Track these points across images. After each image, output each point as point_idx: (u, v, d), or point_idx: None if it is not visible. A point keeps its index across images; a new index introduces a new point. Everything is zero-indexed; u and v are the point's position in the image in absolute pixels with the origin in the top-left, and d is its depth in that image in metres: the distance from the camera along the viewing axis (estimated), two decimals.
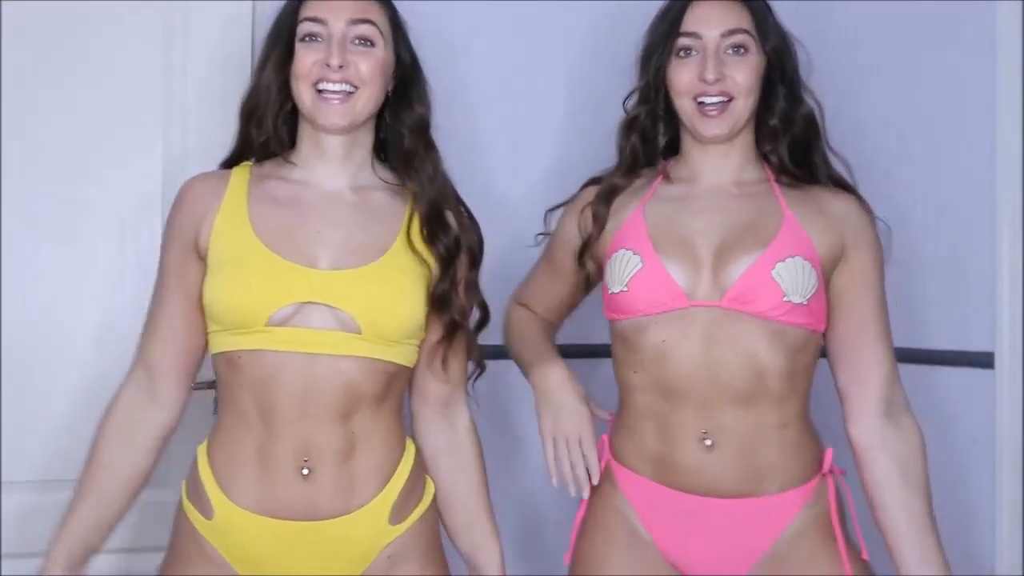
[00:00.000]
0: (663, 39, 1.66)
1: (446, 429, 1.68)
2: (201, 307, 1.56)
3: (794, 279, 1.56)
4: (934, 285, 2.08)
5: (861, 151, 2.25)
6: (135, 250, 1.99)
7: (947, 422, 2.06)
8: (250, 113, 1.62)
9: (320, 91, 1.55)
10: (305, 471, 1.51)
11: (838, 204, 1.67)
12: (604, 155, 1.79)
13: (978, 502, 1.97)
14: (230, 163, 1.66)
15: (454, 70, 2.17)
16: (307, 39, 1.57)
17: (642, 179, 1.72)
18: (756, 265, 1.57)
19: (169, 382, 1.60)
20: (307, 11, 1.58)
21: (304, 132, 1.62)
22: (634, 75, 1.73)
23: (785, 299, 1.56)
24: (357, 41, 1.57)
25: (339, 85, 1.55)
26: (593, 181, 1.75)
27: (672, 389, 1.59)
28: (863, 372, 1.64)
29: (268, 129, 1.60)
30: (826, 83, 2.34)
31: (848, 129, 2.28)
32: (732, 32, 1.62)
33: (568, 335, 1.99)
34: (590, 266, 1.73)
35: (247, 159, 1.64)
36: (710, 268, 1.59)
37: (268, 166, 1.63)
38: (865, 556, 1.65)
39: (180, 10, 2.05)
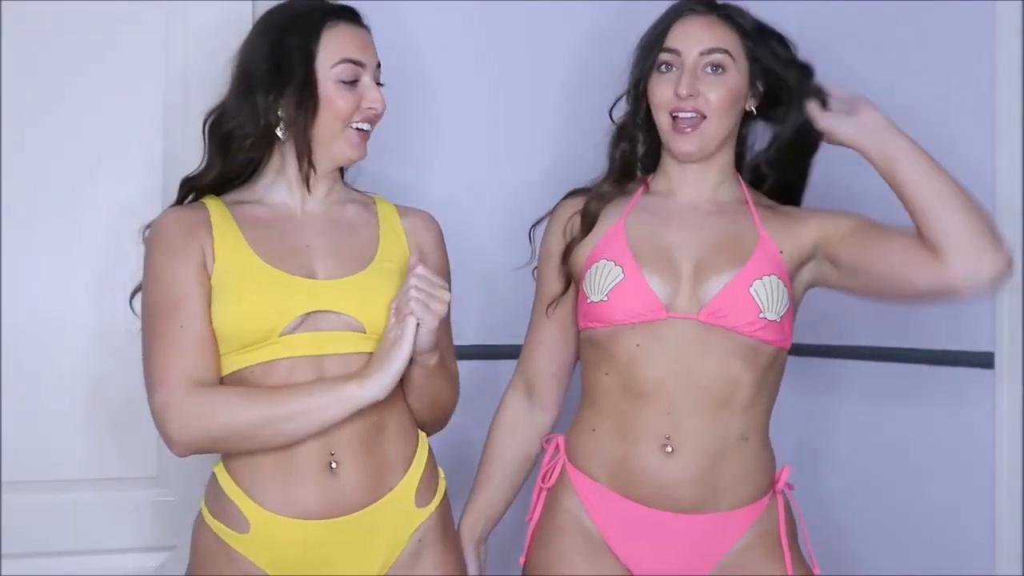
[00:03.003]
0: (647, 53, 1.70)
1: None
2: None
3: (770, 297, 1.60)
4: None
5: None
6: (135, 251, 1.99)
7: (947, 422, 2.06)
8: (227, 139, 1.63)
9: (354, 128, 1.63)
10: (333, 465, 1.55)
11: (798, 210, 1.72)
12: (597, 163, 1.80)
13: (978, 502, 1.97)
14: (191, 185, 1.69)
15: (443, 75, 2.18)
16: (346, 83, 1.61)
17: (626, 192, 1.75)
18: (735, 282, 1.61)
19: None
20: (342, 51, 1.61)
21: (287, 160, 1.64)
22: (626, 84, 1.76)
23: (761, 315, 1.60)
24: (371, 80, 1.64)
25: (365, 125, 1.64)
26: (573, 193, 1.78)
27: (641, 391, 1.62)
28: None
29: (242, 159, 1.64)
30: (825, 83, 2.34)
31: None
32: (711, 51, 1.65)
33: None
34: (570, 272, 1.73)
35: (207, 183, 1.67)
36: (689, 282, 1.63)
37: (233, 195, 1.66)
38: (817, 571, 1.67)
39: (180, 10, 2.05)
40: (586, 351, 1.71)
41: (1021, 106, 1.88)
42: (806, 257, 1.67)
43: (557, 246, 1.74)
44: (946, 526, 2.05)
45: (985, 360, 1.95)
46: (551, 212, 1.78)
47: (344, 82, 1.60)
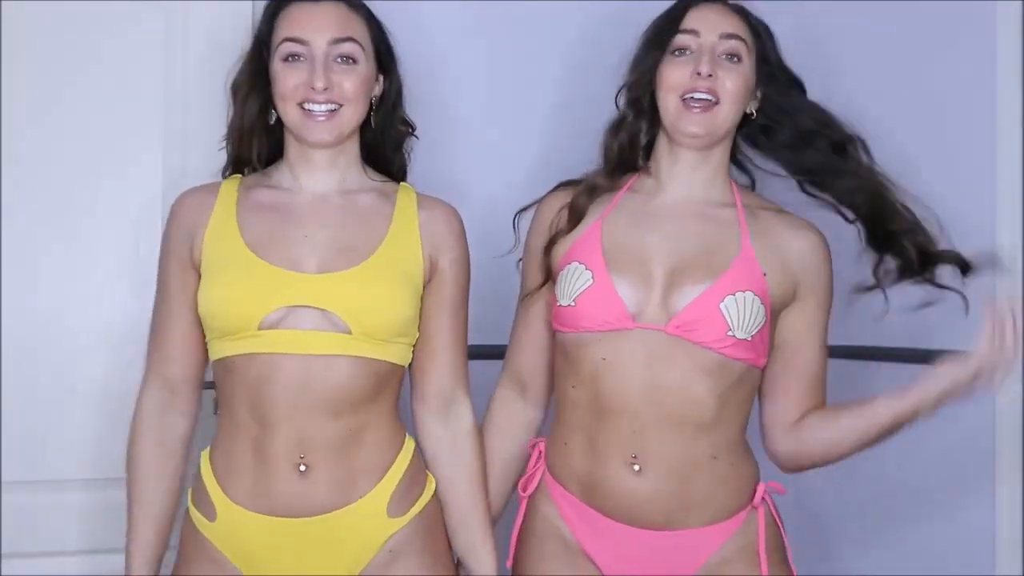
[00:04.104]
0: (661, 36, 1.65)
1: (446, 435, 1.66)
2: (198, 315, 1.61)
3: (741, 314, 1.54)
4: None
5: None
6: (136, 251, 1.98)
7: (947, 422, 2.06)
8: (237, 135, 1.65)
9: (305, 109, 1.57)
10: (302, 467, 1.53)
11: (798, 244, 1.63)
12: (588, 161, 1.76)
13: (978, 502, 1.97)
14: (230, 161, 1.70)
15: (441, 72, 2.17)
16: (289, 59, 1.58)
17: (615, 187, 1.69)
18: (705, 295, 1.55)
19: (189, 392, 1.64)
20: (287, 31, 1.59)
21: (291, 143, 1.64)
22: (625, 75, 1.71)
23: (729, 333, 1.54)
24: (340, 59, 1.58)
25: (324, 106, 1.57)
26: (562, 185, 1.72)
27: (606, 408, 1.58)
28: (790, 413, 1.65)
29: (255, 146, 1.64)
30: (825, 83, 2.34)
31: None
32: (731, 36, 1.61)
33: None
34: (549, 267, 1.69)
35: (241, 172, 1.69)
36: (661, 291, 1.57)
37: (256, 176, 1.67)
38: None
39: (180, 11, 2.04)
40: (557, 359, 1.67)
41: (1021, 106, 1.88)
42: (788, 297, 1.62)
43: (541, 240, 1.70)
44: (946, 526, 2.05)
45: None
46: (538, 203, 1.74)
47: (287, 61, 1.58)
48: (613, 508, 1.59)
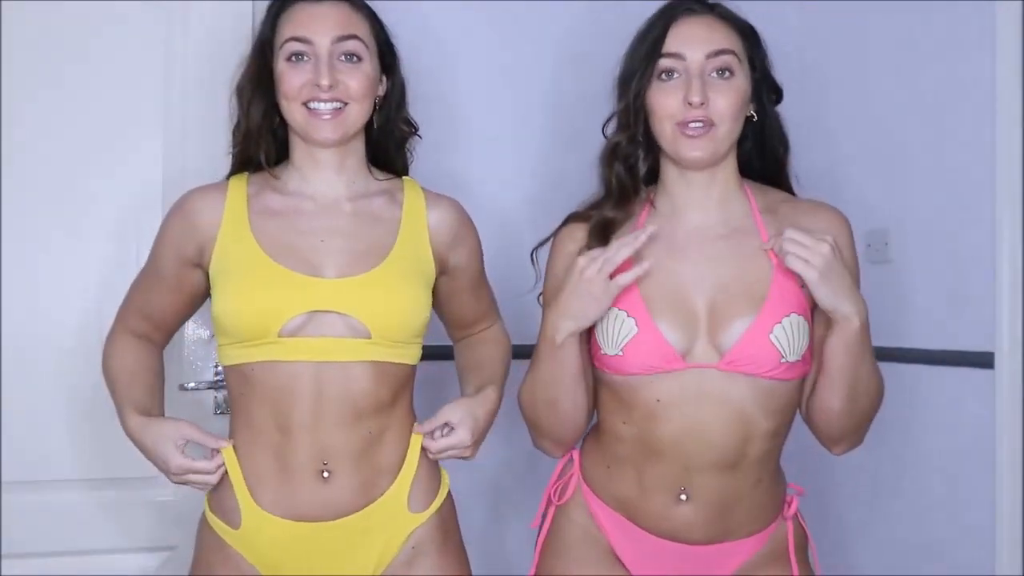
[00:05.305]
0: (644, 61, 1.55)
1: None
2: (190, 301, 1.64)
3: (791, 340, 1.50)
4: (934, 285, 2.08)
5: (861, 151, 2.26)
6: (136, 250, 1.99)
7: (947, 422, 2.06)
8: (244, 137, 1.63)
9: (311, 108, 1.56)
10: (325, 474, 1.54)
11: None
12: (590, 161, 1.70)
13: (977, 502, 1.97)
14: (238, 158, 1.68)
15: (437, 78, 2.17)
16: (293, 59, 1.57)
17: (630, 216, 1.62)
18: (754, 329, 1.50)
19: (159, 343, 1.70)
20: (290, 30, 1.57)
21: (296, 145, 1.63)
22: (612, 96, 1.63)
23: (783, 360, 1.50)
24: (344, 57, 1.57)
25: (330, 104, 1.56)
26: (572, 218, 1.64)
27: (657, 449, 1.54)
28: (806, 393, 1.60)
29: (262, 148, 1.62)
30: (826, 83, 2.35)
31: (848, 129, 2.29)
32: (718, 53, 1.52)
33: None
34: None
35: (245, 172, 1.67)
36: (706, 328, 1.52)
37: (263, 176, 1.64)
38: None
39: (180, 10, 2.05)
40: (602, 392, 1.61)
41: (1021, 106, 1.88)
42: None
43: (561, 279, 1.58)
44: (946, 526, 2.05)
45: (985, 360, 1.95)
46: (553, 238, 1.66)
47: (291, 61, 1.57)
48: (653, 527, 1.58)
